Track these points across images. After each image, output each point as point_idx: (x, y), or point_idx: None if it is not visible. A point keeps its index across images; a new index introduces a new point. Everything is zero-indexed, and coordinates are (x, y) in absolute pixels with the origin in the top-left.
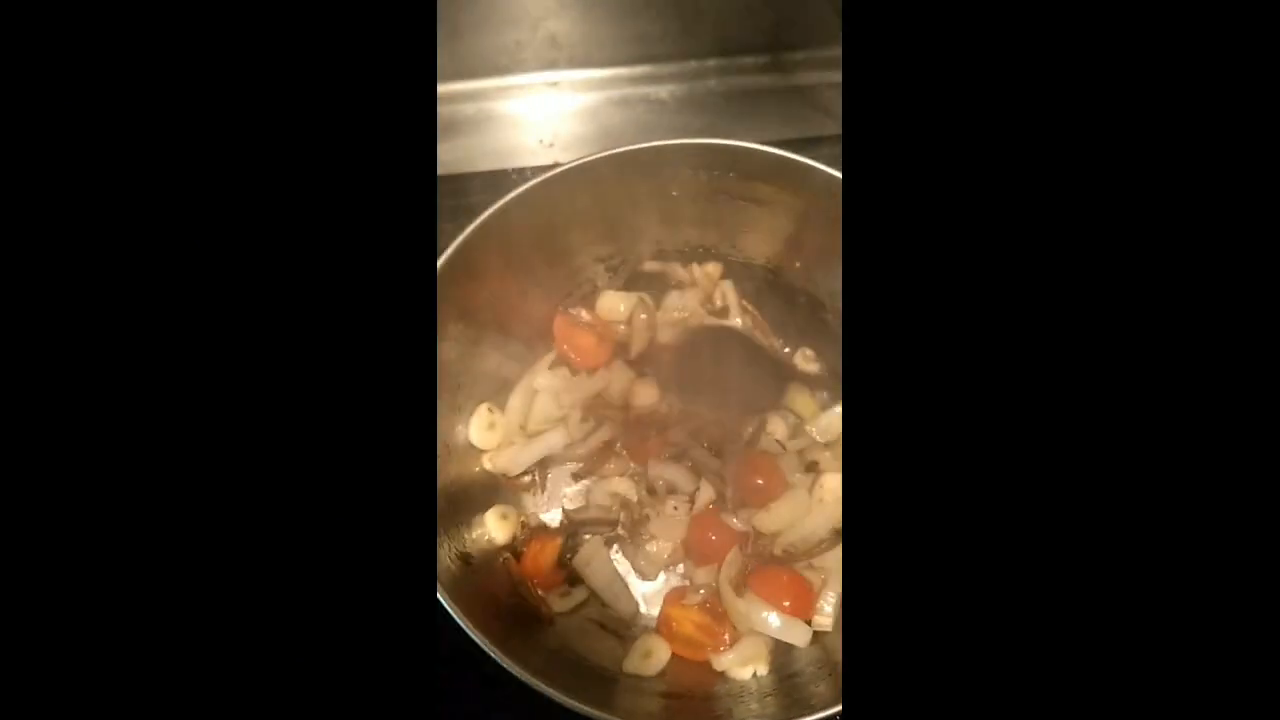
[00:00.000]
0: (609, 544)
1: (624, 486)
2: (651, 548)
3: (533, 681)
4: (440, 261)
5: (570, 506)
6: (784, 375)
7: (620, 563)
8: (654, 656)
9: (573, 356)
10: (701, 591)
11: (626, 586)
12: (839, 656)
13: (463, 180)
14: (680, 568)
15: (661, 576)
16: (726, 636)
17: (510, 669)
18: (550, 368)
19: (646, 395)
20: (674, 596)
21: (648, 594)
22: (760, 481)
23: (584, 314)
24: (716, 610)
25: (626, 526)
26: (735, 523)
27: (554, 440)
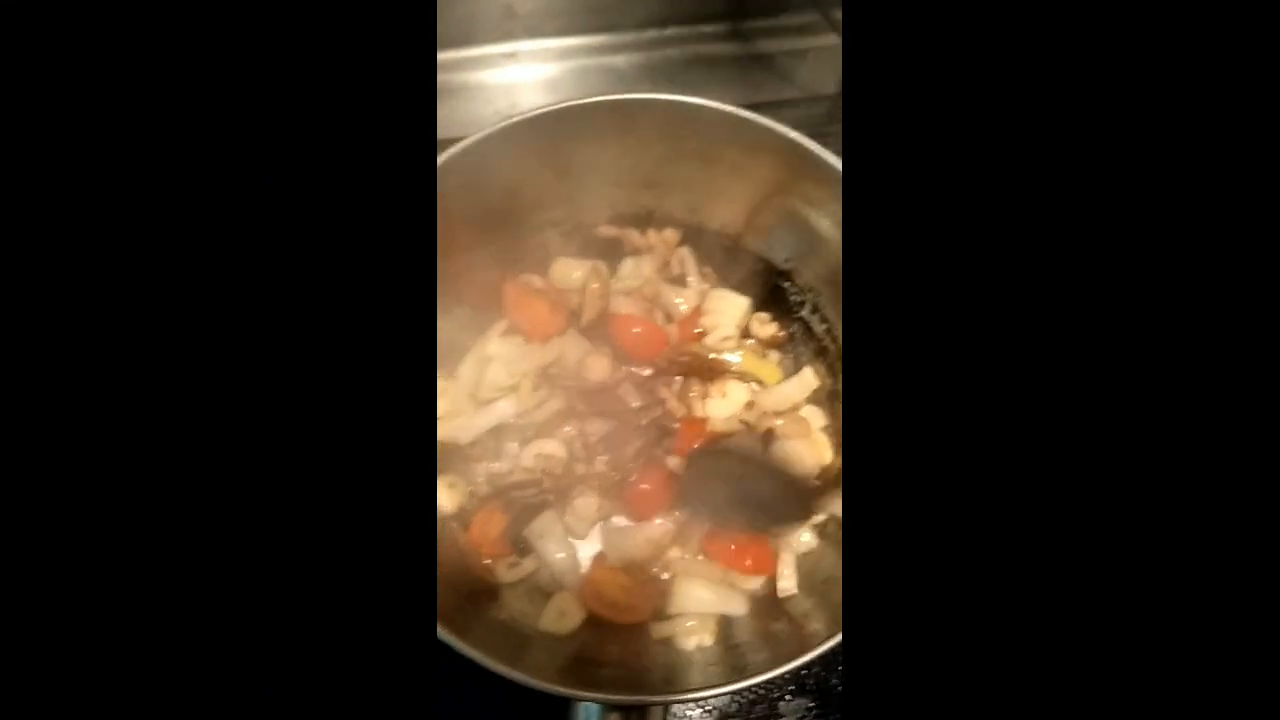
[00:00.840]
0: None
1: (551, 447)
2: (579, 503)
3: (476, 655)
4: None
5: (497, 470)
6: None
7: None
8: (568, 616)
9: (525, 325)
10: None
11: (578, 560)
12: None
13: None
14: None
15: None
16: (655, 598)
17: (457, 647)
18: (503, 335)
19: (599, 366)
20: (600, 560)
21: None
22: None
23: (536, 281)
24: (642, 572)
25: (553, 489)
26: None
27: (505, 409)
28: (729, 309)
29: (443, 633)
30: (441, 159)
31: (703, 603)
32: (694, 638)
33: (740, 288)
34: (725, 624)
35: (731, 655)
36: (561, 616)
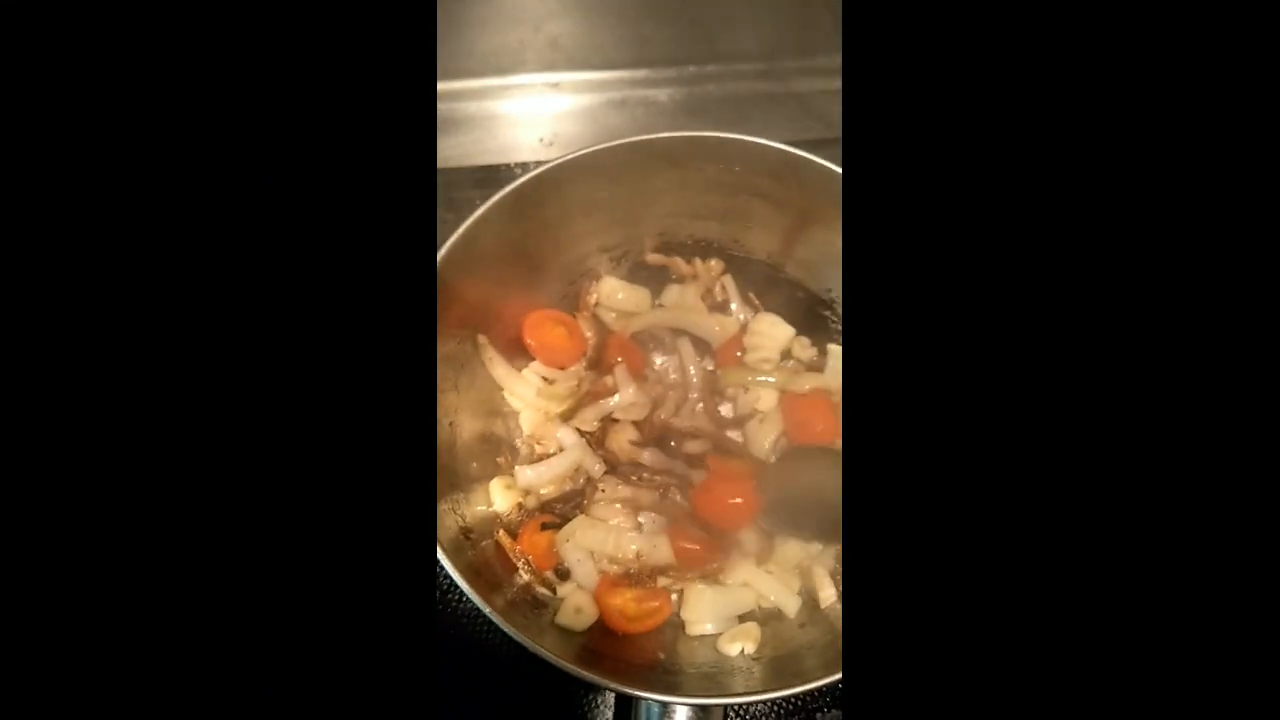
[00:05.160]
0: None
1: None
2: (597, 509)
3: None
4: (440, 254)
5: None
6: None
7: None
8: (583, 613)
9: (544, 352)
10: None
11: (594, 569)
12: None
13: (462, 174)
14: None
15: None
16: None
17: (518, 638)
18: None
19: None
20: (605, 587)
21: None
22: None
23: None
24: (643, 576)
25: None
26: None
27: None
28: (774, 333)
29: (510, 629)
30: (498, 195)
31: (714, 609)
32: (737, 644)
33: (783, 315)
34: (770, 633)
35: (774, 663)
36: (578, 614)
